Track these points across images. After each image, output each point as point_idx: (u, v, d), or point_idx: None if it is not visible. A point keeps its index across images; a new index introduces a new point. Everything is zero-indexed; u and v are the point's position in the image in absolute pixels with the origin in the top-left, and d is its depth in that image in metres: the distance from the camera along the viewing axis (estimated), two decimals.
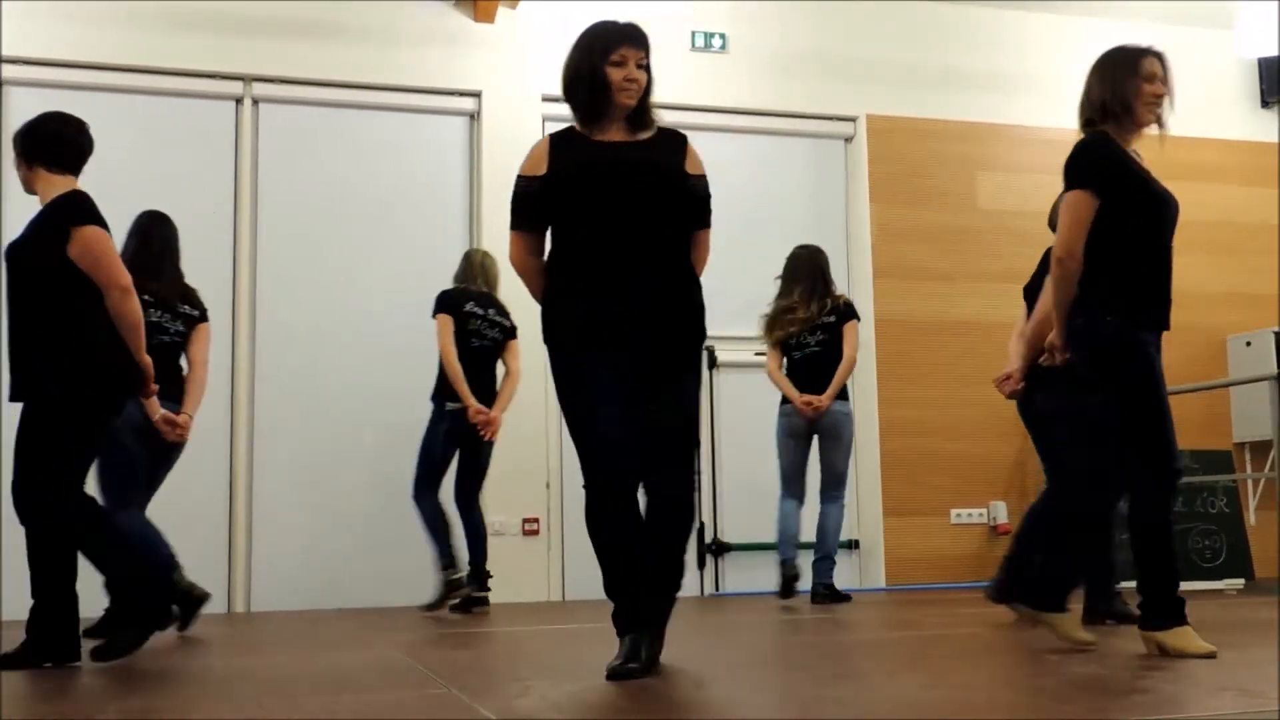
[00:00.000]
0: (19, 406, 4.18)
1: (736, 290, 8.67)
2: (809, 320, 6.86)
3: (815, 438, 6.88)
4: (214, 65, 7.91)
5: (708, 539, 8.38)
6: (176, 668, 4.10)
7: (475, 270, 6.87)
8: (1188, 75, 9.78)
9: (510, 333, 6.82)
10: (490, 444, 6.78)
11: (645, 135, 3.66)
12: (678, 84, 8.71)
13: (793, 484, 6.90)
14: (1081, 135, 3.96)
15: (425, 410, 8.00)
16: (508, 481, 7.79)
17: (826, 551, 6.78)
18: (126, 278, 4.20)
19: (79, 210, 4.24)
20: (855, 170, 9.01)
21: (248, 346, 7.77)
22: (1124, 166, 3.82)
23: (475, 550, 6.74)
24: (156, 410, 5.22)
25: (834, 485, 6.87)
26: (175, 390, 5.36)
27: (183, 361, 5.53)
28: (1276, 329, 9.06)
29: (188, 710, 3.08)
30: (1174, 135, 10.44)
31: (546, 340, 3.59)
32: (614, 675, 3.32)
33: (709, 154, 8.79)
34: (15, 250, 4.30)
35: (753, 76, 8.87)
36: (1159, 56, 3.99)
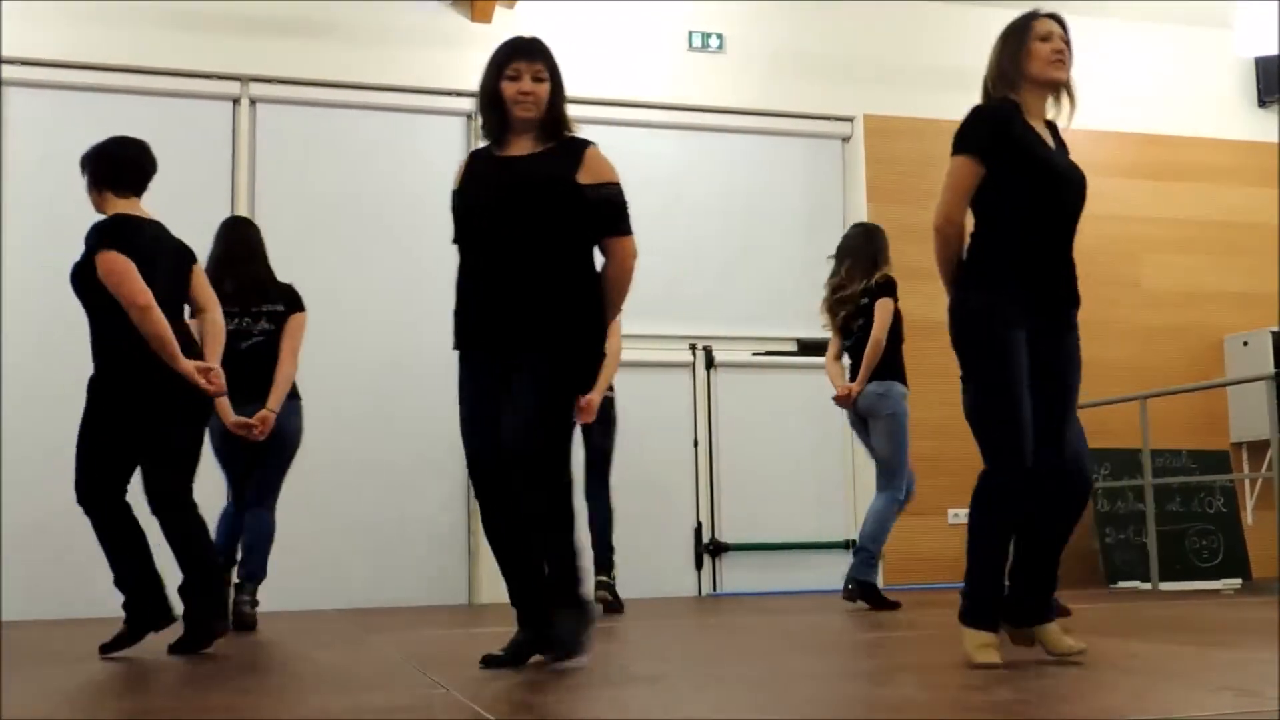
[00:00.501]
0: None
1: (733, 290, 8.70)
2: (854, 300, 6.59)
3: (866, 426, 6.57)
4: (211, 66, 7.91)
5: (705, 539, 8.38)
6: (174, 668, 4.10)
7: None
8: (1185, 75, 9.86)
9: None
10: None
11: (546, 146, 3.69)
12: (675, 84, 8.73)
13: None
14: None
15: (422, 408, 8.02)
16: None
17: (862, 543, 6.41)
18: (144, 296, 4.37)
19: (103, 235, 4.50)
20: (852, 170, 9.01)
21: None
22: (1012, 133, 3.57)
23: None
24: (229, 416, 5.44)
25: (880, 473, 6.53)
26: (262, 390, 5.57)
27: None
28: (1274, 329, 9.07)
29: (186, 710, 3.07)
30: (1171, 135, 10.53)
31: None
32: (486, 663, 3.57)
33: (705, 154, 8.92)
34: (74, 273, 4.61)
35: (750, 76, 8.88)
36: (1053, 17, 3.78)
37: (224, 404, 5.32)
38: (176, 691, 3.52)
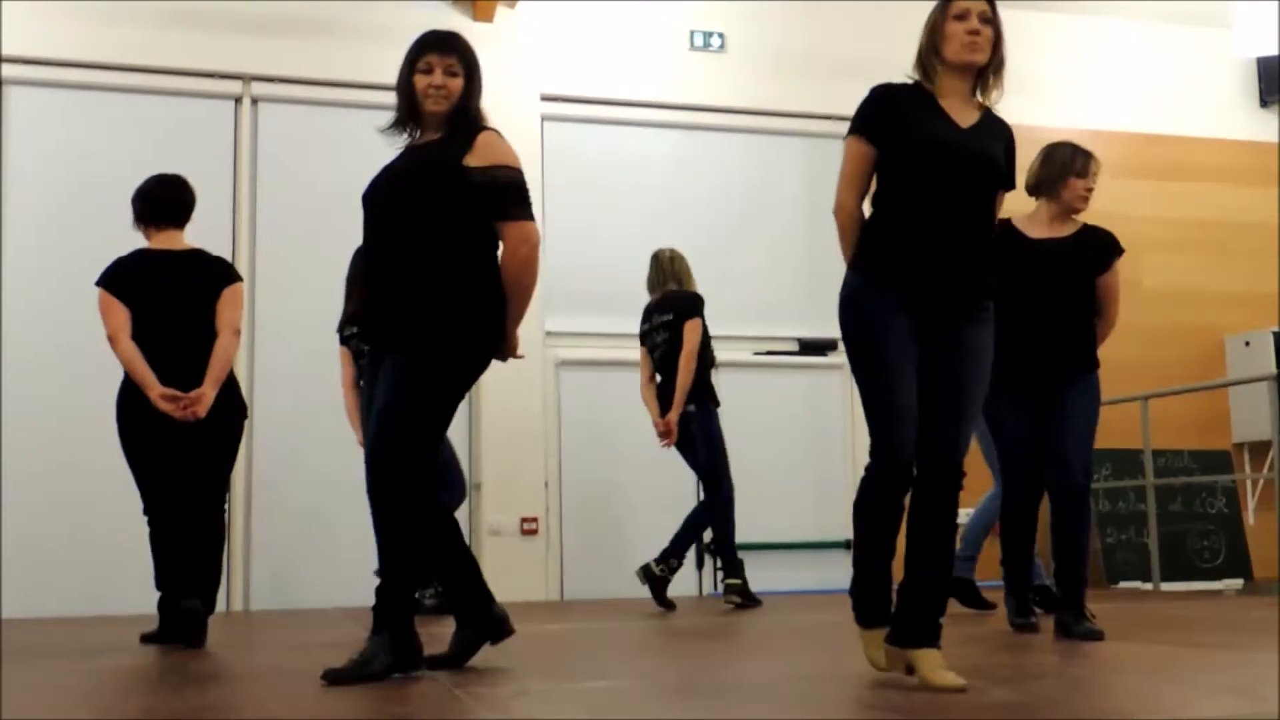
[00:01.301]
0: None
1: (733, 290, 8.69)
2: None
3: None
4: (213, 64, 7.91)
5: (706, 539, 8.37)
6: (171, 666, 4.10)
7: (664, 274, 6.87)
8: (1187, 75, 9.86)
9: (675, 325, 6.69)
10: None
11: (438, 136, 3.63)
12: (676, 83, 8.73)
13: None
14: None
15: None
16: (506, 481, 7.80)
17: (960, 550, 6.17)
18: (110, 328, 4.81)
19: (103, 273, 4.88)
20: None
21: (246, 345, 7.75)
22: (894, 112, 3.41)
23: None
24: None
25: None
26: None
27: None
28: (1275, 329, 9.06)
29: (184, 708, 3.07)
30: (1172, 135, 10.51)
31: None
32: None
33: (706, 153, 8.92)
34: None
35: (751, 76, 8.87)
36: None
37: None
38: (176, 689, 3.52)
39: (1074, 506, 4.53)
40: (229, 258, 7.72)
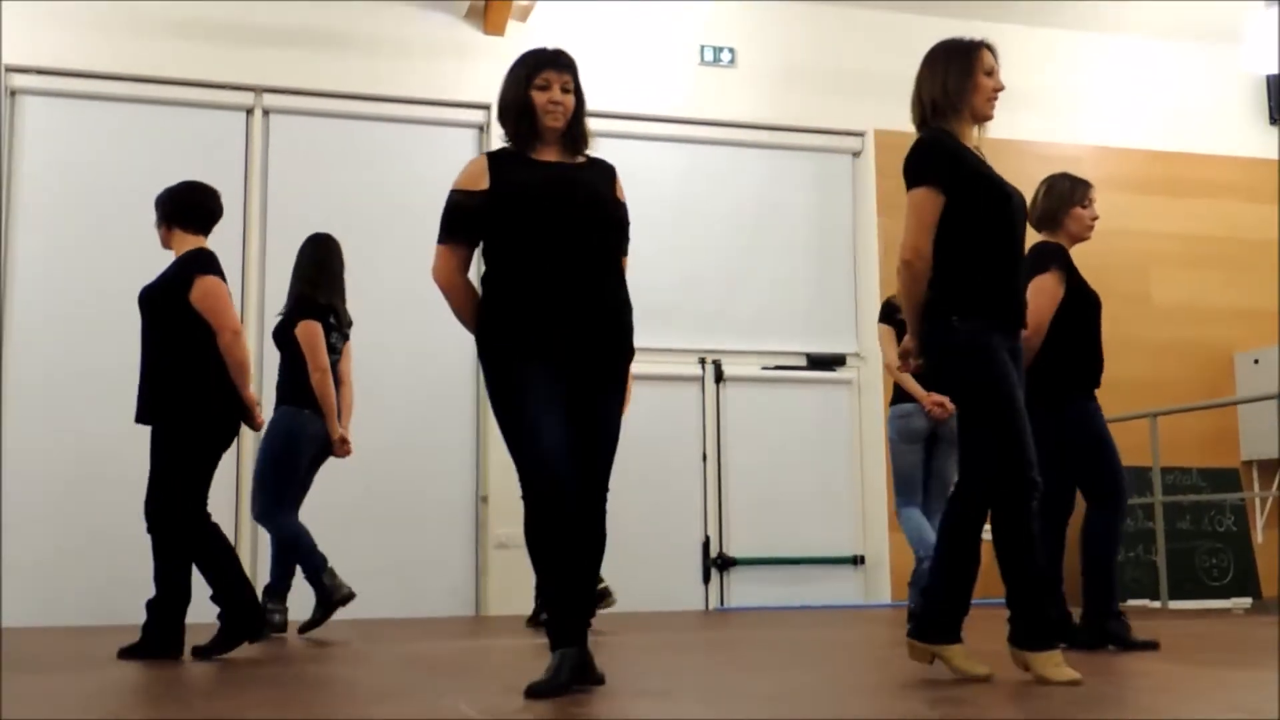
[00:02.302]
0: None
1: (742, 304, 8.70)
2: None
3: (929, 444, 6.34)
4: (225, 76, 7.94)
5: (713, 553, 8.37)
6: (180, 676, 4.10)
7: None
8: (1196, 91, 9.86)
9: None
10: None
11: (579, 160, 3.71)
12: (686, 98, 8.75)
13: (912, 491, 6.31)
14: (918, 135, 3.81)
15: (433, 420, 8.05)
16: (513, 495, 7.78)
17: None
18: (238, 322, 4.81)
19: (203, 263, 4.85)
20: (863, 185, 9.02)
21: (256, 355, 7.76)
22: (965, 162, 3.63)
23: None
24: (337, 430, 5.85)
25: (944, 497, 6.44)
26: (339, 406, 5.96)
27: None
28: None
29: (180, 714, 3.08)
30: (1182, 151, 10.50)
31: (484, 353, 3.58)
32: (538, 692, 3.23)
33: (716, 168, 8.94)
34: (148, 294, 4.90)
35: (761, 90, 8.89)
36: (991, 49, 3.82)
37: (334, 419, 5.81)
38: (185, 700, 3.52)
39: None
40: (239, 267, 7.81)
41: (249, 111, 8.05)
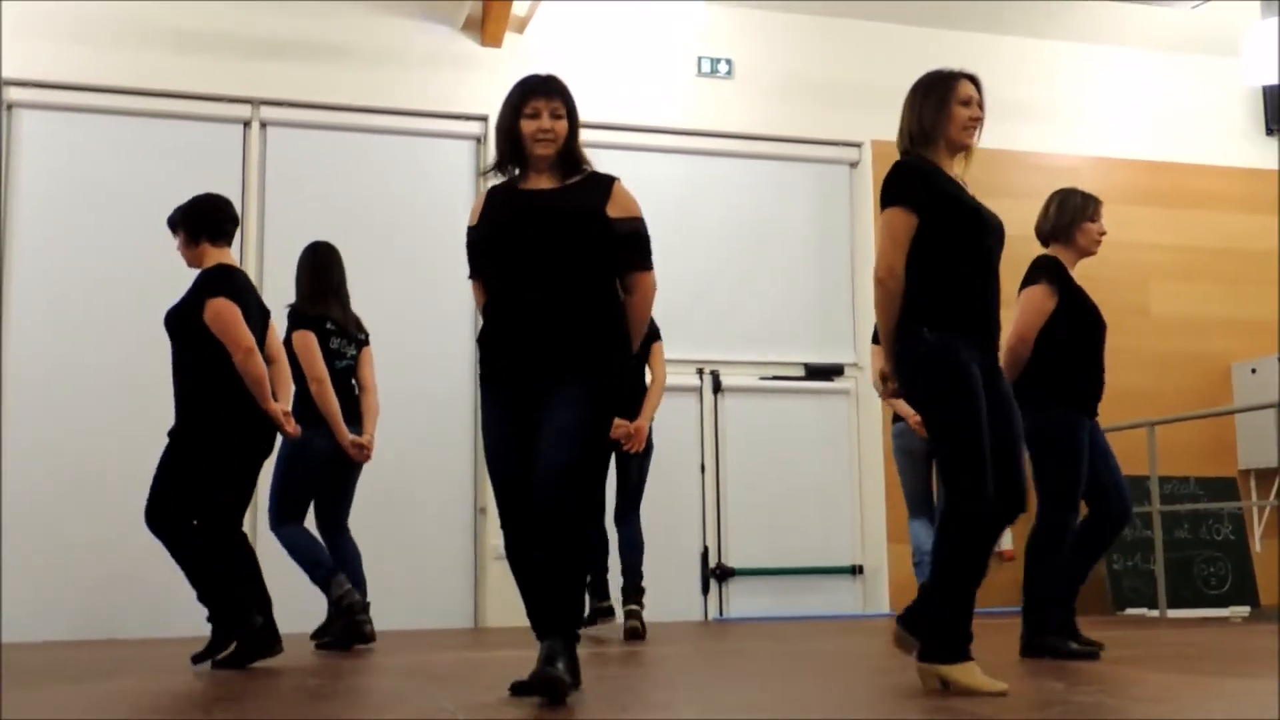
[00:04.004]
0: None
1: (741, 315, 8.71)
2: None
3: (929, 459, 6.44)
4: (222, 88, 7.95)
5: (712, 564, 8.37)
6: (176, 688, 4.10)
7: None
8: (1193, 102, 9.88)
9: None
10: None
11: (571, 180, 3.73)
12: (684, 109, 8.76)
13: (919, 504, 6.47)
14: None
15: (430, 431, 8.05)
16: None
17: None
18: (249, 340, 4.80)
19: (215, 283, 4.88)
20: (860, 195, 9.03)
21: None
22: (937, 184, 3.68)
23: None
24: (345, 436, 5.77)
25: (932, 502, 6.50)
26: (354, 412, 5.89)
27: (353, 383, 6.01)
28: None
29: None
30: (1179, 162, 10.51)
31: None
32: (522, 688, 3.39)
33: (714, 178, 8.95)
34: (172, 316, 4.95)
35: (758, 101, 8.90)
36: (973, 79, 3.89)
37: (341, 425, 5.74)
38: (182, 711, 3.52)
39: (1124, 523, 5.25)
40: None
41: (246, 124, 8.06)
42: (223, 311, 4.80)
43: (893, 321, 3.65)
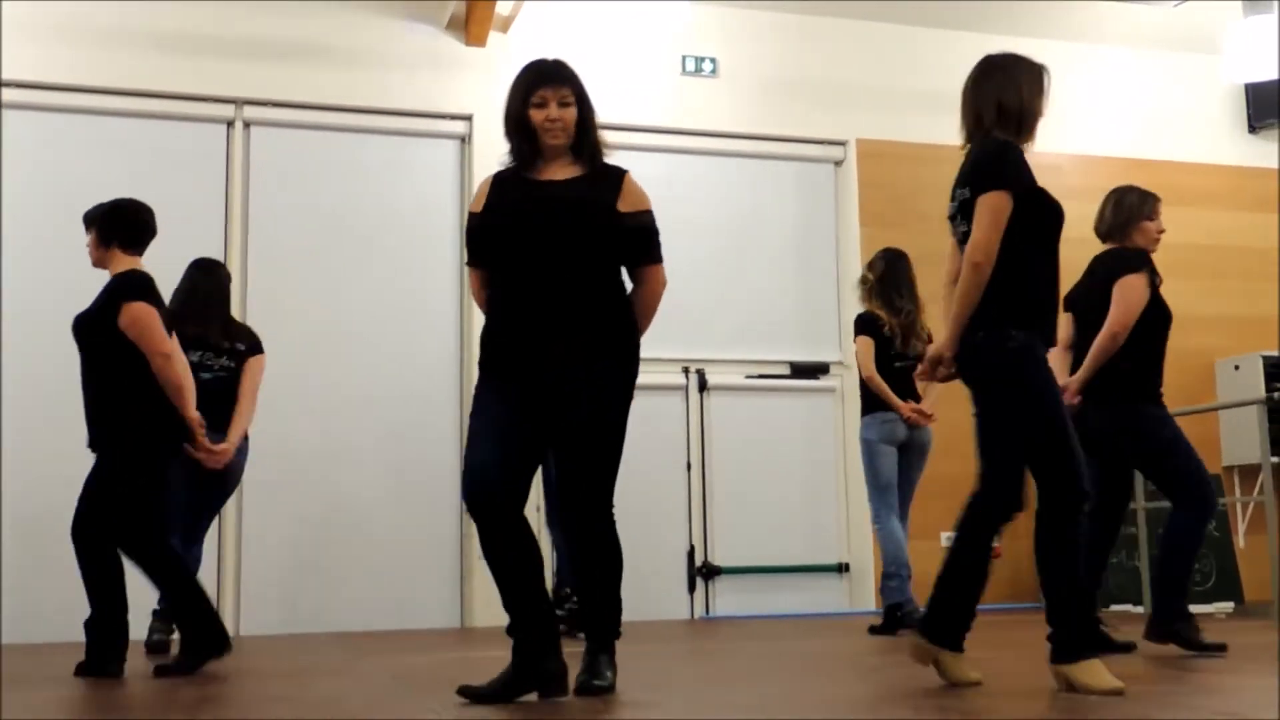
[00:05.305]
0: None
1: (726, 313, 8.71)
2: (905, 327, 6.51)
3: (901, 451, 6.52)
4: (205, 88, 7.91)
5: (698, 562, 8.37)
6: (160, 693, 4.08)
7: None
8: (1176, 100, 9.91)
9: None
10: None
11: (582, 172, 3.67)
12: (668, 107, 8.75)
13: (891, 497, 6.50)
14: (969, 142, 3.88)
15: (416, 431, 8.03)
16: None
17: (894, 569, 6.40)
18: (168, 346, 4.73)
19: (131, 288, 4.77)
20: (845, 194, 9.04)
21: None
22: (1031, 174, 3.70)
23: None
24: (205, 442, 5.52)
25: (906, 502, 6.58)
26: (220, 422, 5.69)
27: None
28: (1265, 353, 9.08)
29: None
30: (1162, 159, 10.53)
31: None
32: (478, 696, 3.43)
33: (699, 177, 8.93)
34: (81, 323, 4.87)
35: (743, 100, 8.90)
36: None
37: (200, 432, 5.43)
38: (170, 712, 3.50)
39: None
40: None
41: (229, 124, 8.03)
42: (141, 316, 4.70)
43: (972, 307, 3.62)
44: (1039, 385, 3.59)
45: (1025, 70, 3.87)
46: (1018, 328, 3.60)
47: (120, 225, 4.92)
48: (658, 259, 3.76)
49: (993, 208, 3.61)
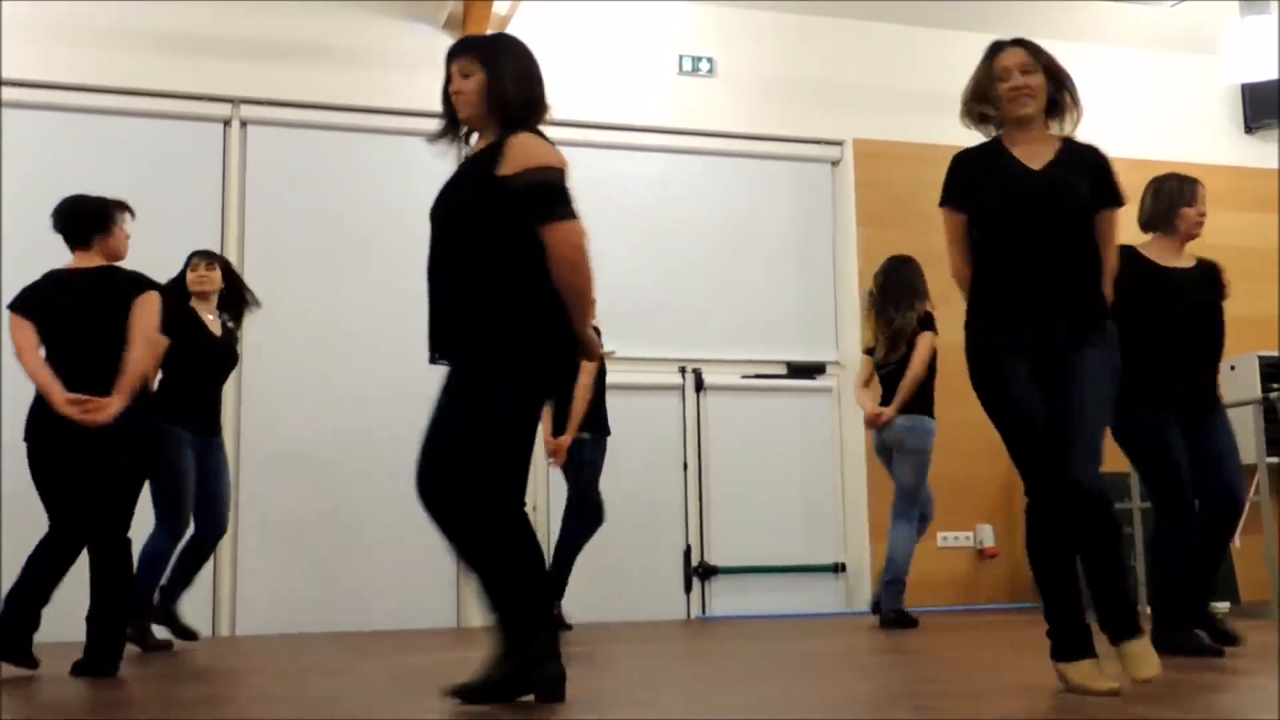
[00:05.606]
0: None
1: (722, 313, 8.71)
2: (891, 335, 6.77)
3: (888, 454, 6.86)
4: (202, 87, 7.91)
5: (694, 562, 8.37)
6: (152, 691, 4.08)
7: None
8: (1173, 100, 9.92)
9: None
10: None
11: (489, 143, 3.55)
12: (665, 107, 8.75)
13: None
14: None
15: (411, 430, 7.96)
16: None
17: (893, 576, 6.63)
18: (16, 343, 4.88)
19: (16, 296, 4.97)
20: (842, 194, 9.04)
21: (241, 369, 7.73)
22: (973, 175, 3.64)
23: None
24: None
25: (898, 499, 6.75)
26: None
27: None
28: (1261, 353, 9.09)
29: None
30: (1158, 160, 10.54)
31: None
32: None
33: (695, 177, 8.94)
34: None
35: (740, 100, 8.91)
36: (1020, 44, 3.83)
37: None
38: (165, 716, 3.50)
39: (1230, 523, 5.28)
40: None
41: (226, 123, 8.02)
42: (8, 322, 4.90)
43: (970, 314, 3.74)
44: (982, 385, 3.58)
45: (981, 64, 3.88)
46: (970, 329, 3.62)
47: (57, 223, 5.10)
48: (551, 217, 3.38)
49: (945, 224, 3.74)
